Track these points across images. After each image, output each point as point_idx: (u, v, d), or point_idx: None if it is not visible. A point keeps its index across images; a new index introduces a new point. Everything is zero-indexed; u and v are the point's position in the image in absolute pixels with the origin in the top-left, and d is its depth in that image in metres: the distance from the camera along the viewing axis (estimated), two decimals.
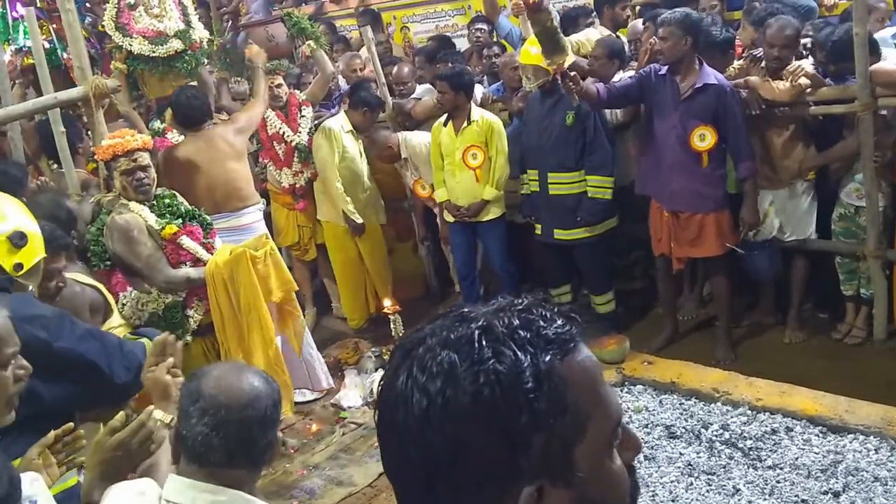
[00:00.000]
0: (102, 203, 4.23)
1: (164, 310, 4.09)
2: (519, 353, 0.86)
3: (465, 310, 0.94)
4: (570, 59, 4.96)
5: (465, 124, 5.34)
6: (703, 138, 4.61)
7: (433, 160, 5.59)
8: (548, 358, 0.86)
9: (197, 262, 4.14)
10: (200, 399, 1.85)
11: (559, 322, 0.90)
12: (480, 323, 0.89)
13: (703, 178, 4.70)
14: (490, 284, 6.06)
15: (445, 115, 5.46)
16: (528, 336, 0.87)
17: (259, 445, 1.88)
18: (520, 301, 0.94)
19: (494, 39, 6.40)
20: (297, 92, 6.00)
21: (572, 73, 4.52)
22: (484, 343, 0.86)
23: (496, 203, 5.48)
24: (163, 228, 4.04)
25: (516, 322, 0.89)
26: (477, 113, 5.36)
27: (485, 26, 6.28)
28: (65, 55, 5.39)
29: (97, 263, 4.14)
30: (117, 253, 3.99)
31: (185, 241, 4.11)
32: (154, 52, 5.07)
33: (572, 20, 6.02)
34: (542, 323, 0.89)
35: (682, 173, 4.71)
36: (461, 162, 5.39)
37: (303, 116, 5.87)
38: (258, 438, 1.87)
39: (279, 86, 5.80)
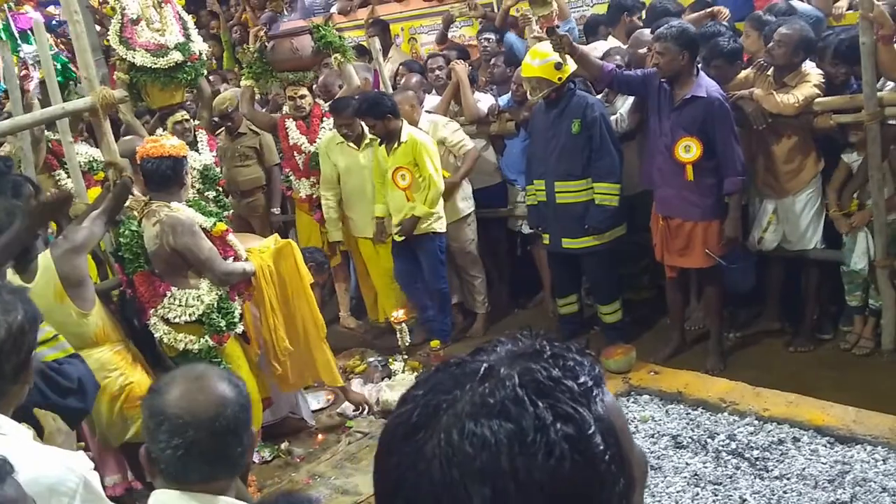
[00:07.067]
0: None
1: (219, 301, 4.13)
2: (580, 408, 0.74)
3: (475, 364, 0.80)
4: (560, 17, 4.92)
5: (395, 145, 5.36)
6: (688, 150, 4.58)
7: (375, 177, 5.63)
8: (601, 408, 0.76)
9: (237, 258, 4.22)
10: (165, 421, 1.78)
11: (587, 361, 0.81)
12: (515, 379, 0.76)
13: (691, 186, 4.67)
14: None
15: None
16: (576, 386, 0.76)
17: (235, 452, 1.84)
18: (531, 343, 0.82)
19: (502, 49, 6.41)
20: (321, 103, 6.04)
21: (561, 34, 4.50)
22: (539, 403, 0.74)
23: (431, 220, 5.45)
24: (214, 225, 4.11)
25: (556, 372, 0.77)
26: (406, 133, 5.34)
27: (492, 36, 6.30)
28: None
29: (138, 266, 4.07)
30: (179, 247, 3.96)
31: (231, 239, 4.23)
32: (156, 63, 5.20)
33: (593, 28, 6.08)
34: (576, 367, 0.79)
35: (671, 180, 4.72)
36: (391, 182, 5.43)
37: (323, 128, 5.91)
38: (233, 446, 1.84)
39: (303, 97, 5.87)
